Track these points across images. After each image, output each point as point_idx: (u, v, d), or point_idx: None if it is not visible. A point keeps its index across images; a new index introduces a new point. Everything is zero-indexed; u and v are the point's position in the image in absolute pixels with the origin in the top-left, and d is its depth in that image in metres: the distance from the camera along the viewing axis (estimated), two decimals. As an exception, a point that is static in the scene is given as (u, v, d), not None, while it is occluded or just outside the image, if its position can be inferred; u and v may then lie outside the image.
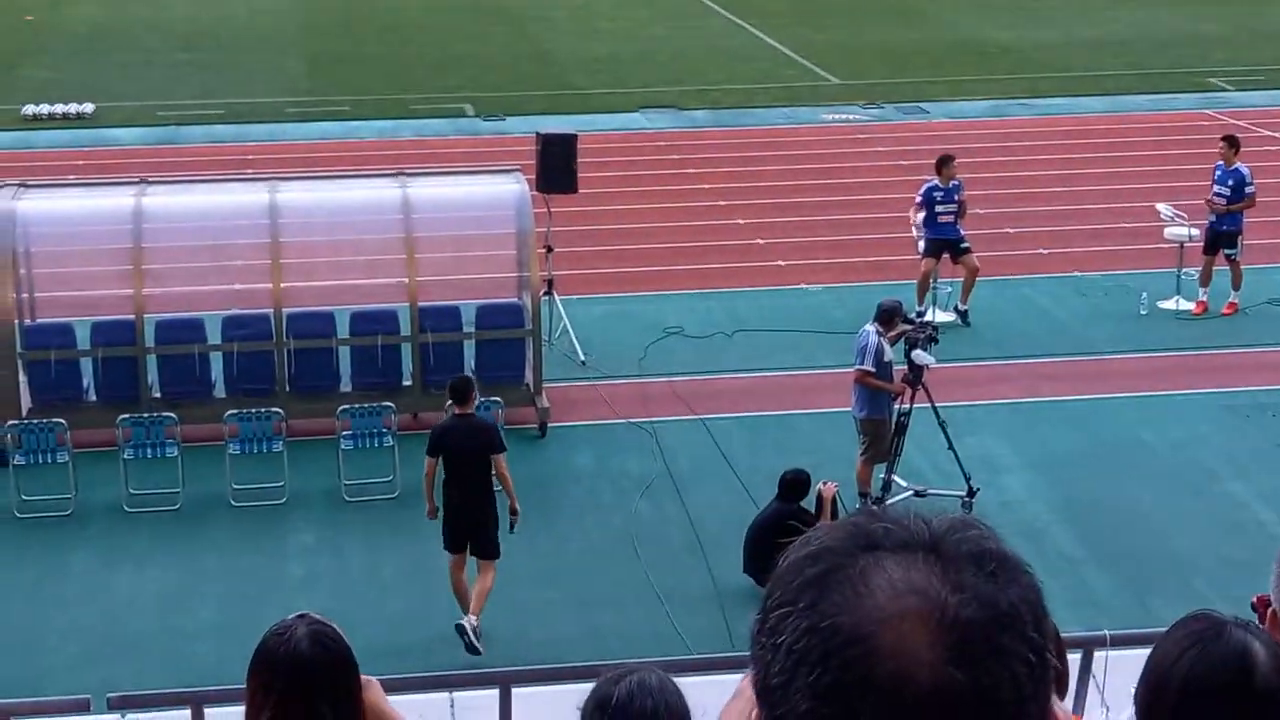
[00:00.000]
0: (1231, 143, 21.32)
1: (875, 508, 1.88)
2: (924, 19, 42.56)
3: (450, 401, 13.84)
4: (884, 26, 41.52)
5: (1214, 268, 20.88)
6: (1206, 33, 40.26)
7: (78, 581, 14.71)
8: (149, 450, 16.02)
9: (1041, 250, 23.46)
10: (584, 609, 14.17)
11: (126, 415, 16.18)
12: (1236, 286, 20.94)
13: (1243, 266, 20.96)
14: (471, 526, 13.44)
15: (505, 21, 42.58)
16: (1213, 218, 20.91)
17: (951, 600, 1.74)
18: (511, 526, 13.67)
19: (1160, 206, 21.66)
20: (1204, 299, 20.94)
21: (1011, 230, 24.15)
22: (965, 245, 20.54)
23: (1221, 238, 20.81)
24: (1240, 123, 28.74)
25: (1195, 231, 21.03)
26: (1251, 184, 20.85)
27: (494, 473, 13.45)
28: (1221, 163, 21.08)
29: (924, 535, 1.80)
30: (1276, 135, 29.68)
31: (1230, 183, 20.86)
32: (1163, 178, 26.14)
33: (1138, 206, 23.97)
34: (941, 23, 42.02)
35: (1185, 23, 41.59)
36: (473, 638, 13.10)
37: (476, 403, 13.89)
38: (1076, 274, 22.39)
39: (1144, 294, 21.00)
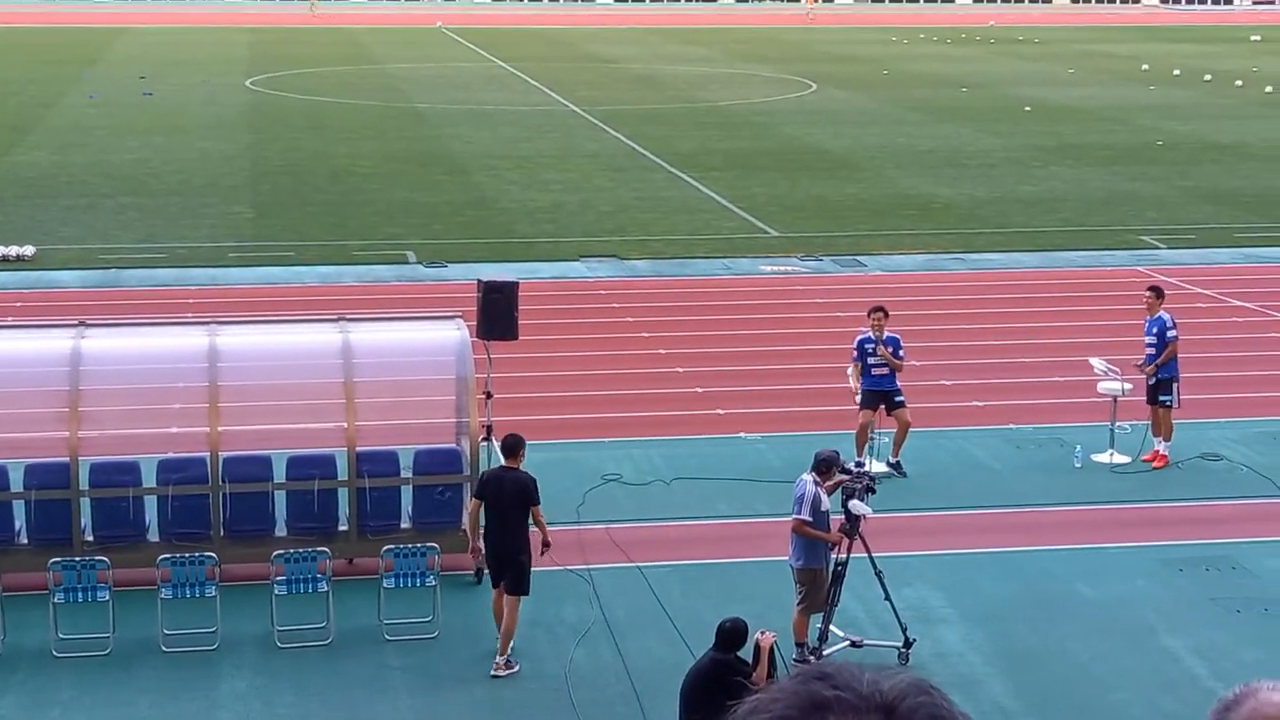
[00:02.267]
0: (1157, 293, 21.70)
1: (829, 667, 1.85)
2: (863, 174, 43.22)
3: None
4: (823, 181, 42.13)
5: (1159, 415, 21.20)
6: (1139, 192, 41.06)
7: (2, 728, 14.46)
8: (80, 594, 15.83)
9: (977, 403, 23.68)
10: (518, 759, 14.02)
11: (58, 559, 15.99)
12: (1167, 438, 21.17)
13: (1176, 421, 21.20)
14: (504, 564, 15.34)
15: (453, 171, 42.99)
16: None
17: None
18: (542, 552, 15.60)
19: (1094, 361, 21.93)
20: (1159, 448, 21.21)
21: (947, 382, 24.38)
22: (900, 399, 20.67)
23: (1160, 385, 21.14)
24: (1172, 280, 29.22)
25: (1129, 385, 21.29)
26: (1173, 329, 21.21)
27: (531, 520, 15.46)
28: (1150, 315, 21.46)
29: (876, 700, 1.78)
30: (1206, 292, 30.21)
31: (1155, 331, 21.25)
32: (1096, 332, 26.51)
33: (1071, 361, 24.27)
34: (880, 178, 42.68)
35: (1119, 182, 42.42)
36: (505, 672, 15.10)
37: (524, 459, 15.88)
38: (1011, 426, 22.59)
39: (1079, 447, 21.20)
